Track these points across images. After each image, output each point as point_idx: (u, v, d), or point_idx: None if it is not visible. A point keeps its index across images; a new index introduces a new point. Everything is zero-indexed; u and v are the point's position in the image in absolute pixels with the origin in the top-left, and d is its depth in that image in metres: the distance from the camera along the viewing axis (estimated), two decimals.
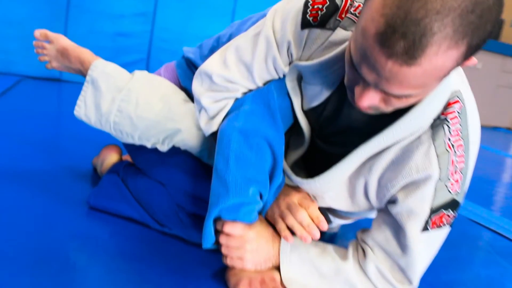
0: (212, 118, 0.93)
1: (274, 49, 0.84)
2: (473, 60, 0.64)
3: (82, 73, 1.17)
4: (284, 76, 0.89)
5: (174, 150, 1.06)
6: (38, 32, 1.21)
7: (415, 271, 0.83)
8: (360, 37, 0.61)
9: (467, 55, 0.60)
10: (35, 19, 3.05)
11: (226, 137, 0.85)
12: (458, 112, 0.76)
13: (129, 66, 3.39)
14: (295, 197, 0.90)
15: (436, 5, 0.54)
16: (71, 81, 3.28)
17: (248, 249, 0.85)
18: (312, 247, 0.89)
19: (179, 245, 1.03)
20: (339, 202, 0.91)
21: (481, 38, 0.58)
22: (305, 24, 0.81)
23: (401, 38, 0.55)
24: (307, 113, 0.90)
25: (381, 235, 0.84)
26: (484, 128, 5.48)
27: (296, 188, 0.93)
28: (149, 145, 1.05)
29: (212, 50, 1.17)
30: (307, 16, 0.80)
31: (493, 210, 1.85)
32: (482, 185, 2.30)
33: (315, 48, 0.81)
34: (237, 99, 0.92)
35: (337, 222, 1.17)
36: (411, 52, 0.56)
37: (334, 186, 0.86)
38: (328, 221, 1.12)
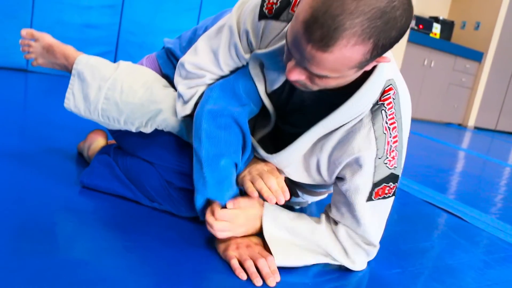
0: (186, 102, 1.05)
1: (236, 37, 0.97)
2: (386, 59, 0.79)
3: (67, 68, 1.25)
4: (247, 64, 1.00)
5: (158, 132, 1.14)
6: (24, 31, 1.28)
7: (372, 235, 0.98)
8: (294, 22, 0.74)
9: (375, 53, 0.73)
10: (0, 8, 3.00)
11: (198, 119, 0.98)
12: (393, 98, 0.91)
13: None
14: (266, 167, 1.01)
15: (351, 6, 0.67)
16: (37, 71, 3.25)
17: (239, 232, 0.97)
18: (290, 213, 1.02)
19: (169, 218, 1.12)
20: (298, 175, 1.04)
21: (387, 40, 0.72)
22: (261, 16, 0.93)
23: (319, 28, 0.69)
24: (270, 95, 1.02)
25: (338, 214, 0.99)
26: (437, 124, 5.80)
27: (266, 161, 1.04)
28: (133, 129, 1.14)
29: (190, 42, 1.26)
30: (264, 9, 0.93)
31: (447, 194, 2.03)
32: (437, 174, 2.50)
33: (271, 37, 0.94)
34: (208, 87, 1.03)
35: (306, 199, 1.29)
36: (326, 40, 0.69)
37: (291, 162, 0.99)
38: (296, 195, 1.25)
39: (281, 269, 0.95)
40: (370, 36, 0.69)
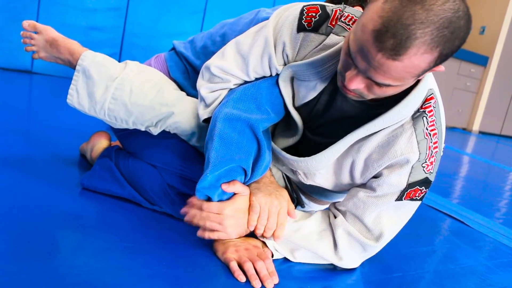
0: (208, 105, 1.04)
1: (271, 48, 0.96)
2: (441, 68, 0.79)
3: (71, 64, 1.22)
4: (276, 75, 1.00)
5: (165, 134, 1.14)
6: (26, 23, 1.25)
7: (381, 228, 0.97)
8: (360, 32, 0.74)
9: (438, 61, 0.75)
10: (6, 11, 3.03)
11: (214, 119, 0.97)
12: (433, 107, 0.92)
13: None
14: (283, 207, 0.98)
15: (421, 16, 0.68)
16: (41, 73, 3.27)
17: (227, 224, 0.96)
18: None
19: (169, 220, 1.12)
20: (326, 178, 1.03)
21: (450, 49, 0.73)
22: (300, 28, 0.94)
23: (391, 37, 0.70)
24: (299, 108, 1.02)
25: (350, 202, 0.98)
26: None
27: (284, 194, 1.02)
28: (143, 128, 1.13)
29: (205, 48, 1.25)
30: (302, 21, 0.94)
31: (450, 199, 2.02)
32: (441, 178, 2.48)
33: (310, 49, 0.94)
34: (230, 90, 1.02)
35: (312, 207, 1.28)
36: (397, 49, 0.70)
37: (326, 164, 0.98)
38: (302, 205, 1.25)
39: (280, 272, 0.95)
40: (438, 45, 0.71)
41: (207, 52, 1.25)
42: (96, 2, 3.32)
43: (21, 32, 1.26)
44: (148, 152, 1.16)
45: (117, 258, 0.89)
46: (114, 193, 1.18)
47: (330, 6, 0.95)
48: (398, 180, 0.93)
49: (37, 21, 3.14)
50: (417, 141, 0.91)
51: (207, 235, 0.97)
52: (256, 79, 1.02)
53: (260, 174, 1.00)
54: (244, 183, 0.99)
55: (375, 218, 0.97)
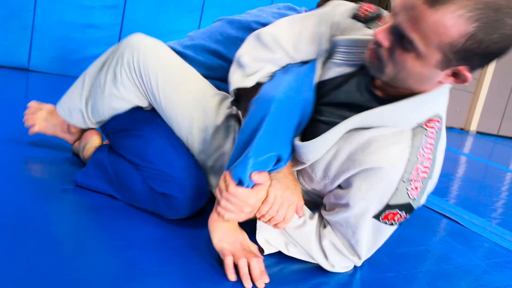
0: (248, 75, 1.01)
1: (325, 25, 0.98)
2: (468, 78, 0.77)
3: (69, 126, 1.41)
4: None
5: (148, 132, 1.14)
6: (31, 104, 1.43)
7: (362, 250, 0.97)
8: None
9: (467, 44, 0.71)
10: (2, 7, 3.01)
11: (268, 101, 0.91)
12: (436, 131, 0.90)
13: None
14: (294, 203, 0.97)
15: None
16: (38, 71, 3.26)
17: (245, 211, 0.94)
18: None
19: (159, 220, 1.11)
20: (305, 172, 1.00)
21: (485, 37, 0.70)
22: (353, 16, 0.97)
23: None
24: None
25: (334, 219, 0.97)
26: None
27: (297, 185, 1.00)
28: (114, 87, 1.16)
29: (203, 47, 1.25)
30: (358, 11, 0.97)
31: (447, 199, 2.02)
32: (438, 178, 2.48)
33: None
34: (282, 69, 1.00)
35: None
36: None
37: (322, 150, 0.93)
38: None
39: (271, 270, 0.95)
40: (476, 20, 0.68)
41: (208, 50, 1.25)
42: (93, 0, 3.30)
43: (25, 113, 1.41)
44: (131, 150, 1.15)
45: (107, 256, 0.89)
46: (107, 191, 1.17)
47: (386, 12, 0.98)
48: (378, 197, 0.90)
49: (33, 18, 3.14)
50: (408, 158, 0.87)
51: (219, 210, 0.94)
52: (301, 62, 1.01)
53: (285, 163, 0.96)
54: (269, 171, 0.95)
55: (356, 239, 0.96)
